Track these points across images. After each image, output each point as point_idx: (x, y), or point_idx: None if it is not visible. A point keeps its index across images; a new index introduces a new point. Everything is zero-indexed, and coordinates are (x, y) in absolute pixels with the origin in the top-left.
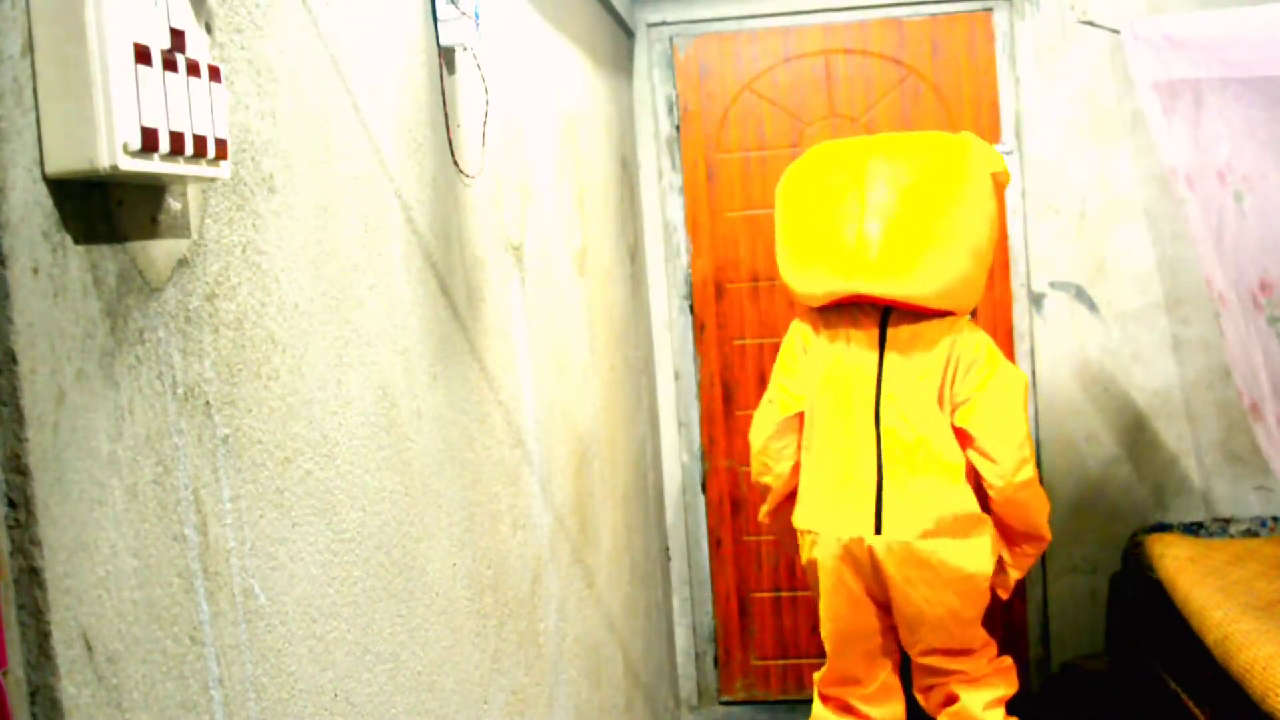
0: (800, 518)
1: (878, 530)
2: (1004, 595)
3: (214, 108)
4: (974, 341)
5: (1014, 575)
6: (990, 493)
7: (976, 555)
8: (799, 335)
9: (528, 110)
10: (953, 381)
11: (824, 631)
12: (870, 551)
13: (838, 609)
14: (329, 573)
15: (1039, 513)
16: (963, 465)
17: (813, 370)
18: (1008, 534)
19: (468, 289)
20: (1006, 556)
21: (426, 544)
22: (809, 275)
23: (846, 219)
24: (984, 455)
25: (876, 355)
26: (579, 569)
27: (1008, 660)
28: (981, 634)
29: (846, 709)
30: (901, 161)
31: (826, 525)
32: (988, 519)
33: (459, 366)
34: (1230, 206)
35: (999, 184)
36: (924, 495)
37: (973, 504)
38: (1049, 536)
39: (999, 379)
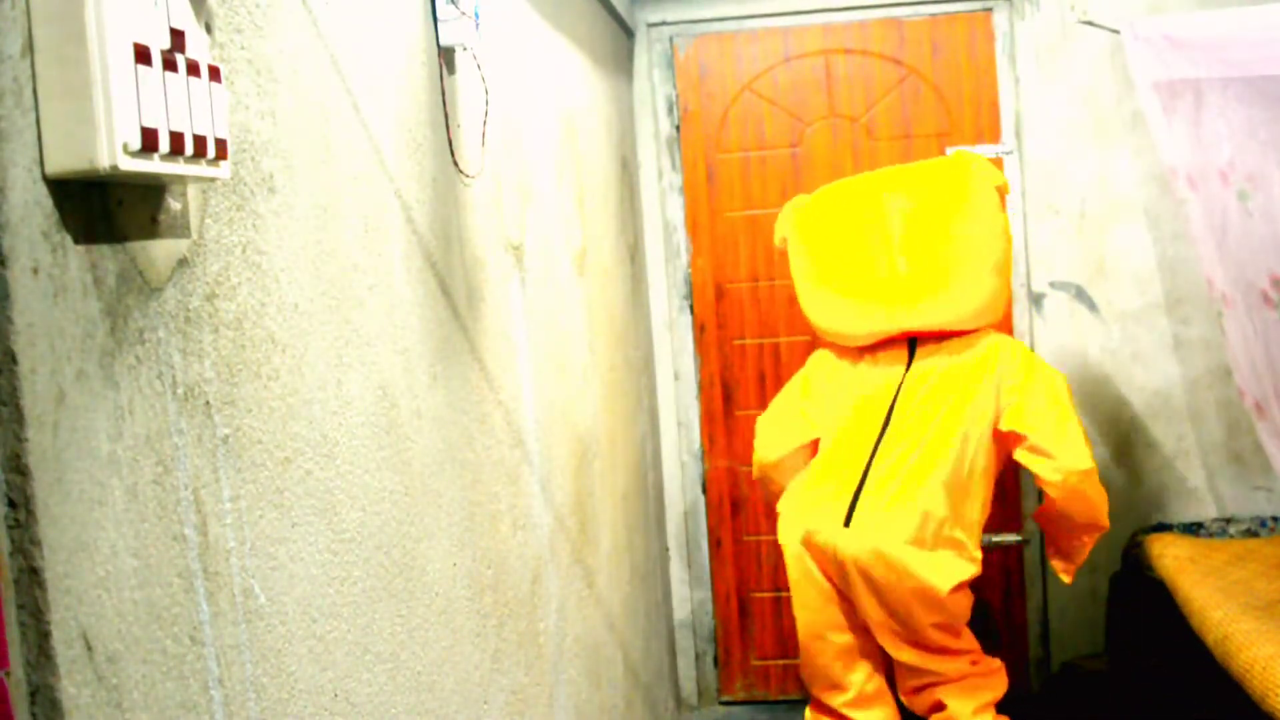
0: (781, 501)
1: (846, 524)
2: (1067, 579)
3: (214, 108)
4: (1008, 347)
5: (1077, 561)
6: (1049, 490)
7: (939, 570)
8: (826, 362)
9: (528, 110)
10: (997, 388)
11: (796, 620)
12: (834, 546)
13: (805, 598)
14: (329, 573)
15: (1101, 504)
16: (951, 479)
17: (839, 395)
18: (1069, 526)
19: (468, 289)
20: (1065, 548)
21: (426, 544)
22: (846, 318)
23: (875, 261)
24: (1038, 452)
25: (901, 371)
26: (579, 569)
27: (995, 662)
28: (962, 640)
29: (838, 718)
30: (913, 194)
31: (796, 513)
32: (957, 539)
33: (459, 366)
34: (1234, 206)
35: (1003, 195)
36: (901, 502)
37: (942, 517)
38: (1107, 525)
39: (1040, 377)
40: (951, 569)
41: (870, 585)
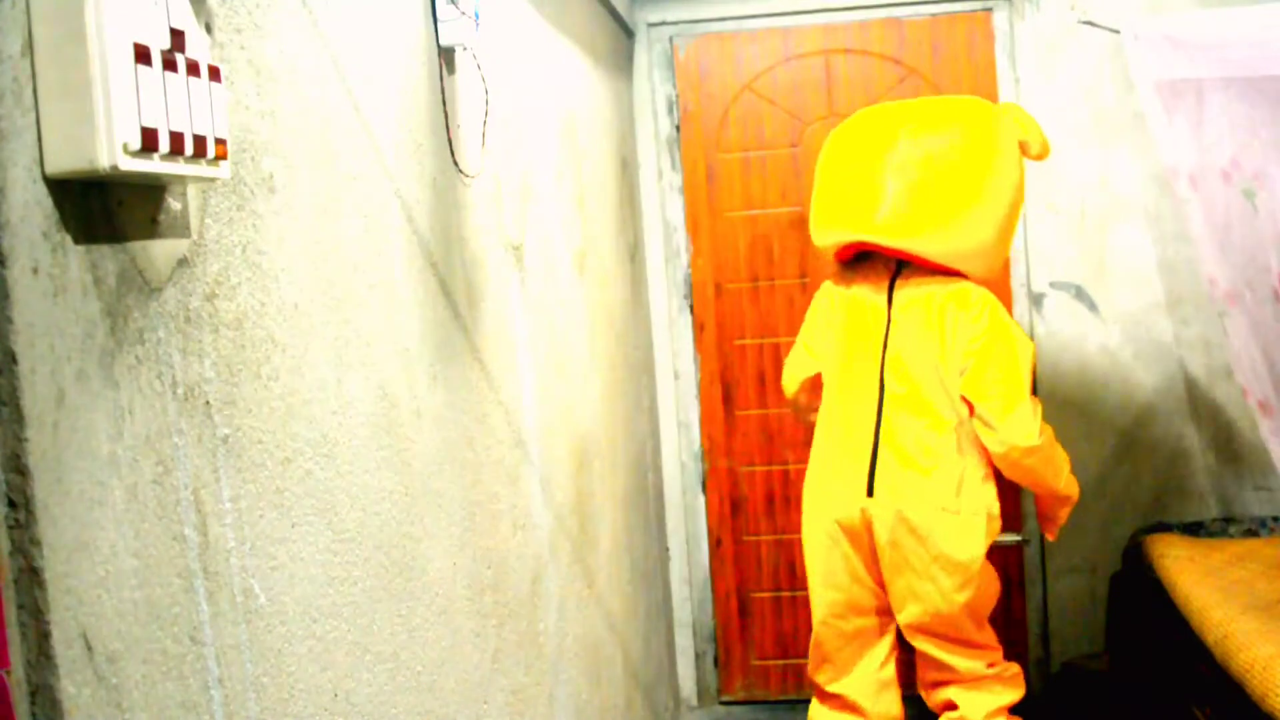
0: (806, 482)
1: (870, 493)
2: (1050, 536)
3: (214, 108)
4: (976, 305)
5: (1056, 524)
6: (993, 460)
7: (967, 537)
8: (827, 295)
9: (528, 110)
10: (952, 343)
11: (814, 601)
12: (863, 516)
13: (832, 578)
14: (329, 573)
15: (1050, 476)
16: (959, 437)
17: (830, 324)
18: (1033, 490)
19: (468, 289)
20: (1039, 509)
21: (426, 544)
22: (823, 226)
23: (867, 174)
24: (983, 422)
25: (885, 313)
26: (579, 569)
27: (1014, 667)
28: (985, 634)
29: (843, 705)
30: (932, 125)
31: (821, 499)
32: (981, 497)
33: (459, 366)
34: (1238, 204)
35: (1026, 154)
36: (920, 464)
37: (963, 476)
38: (1073, 495)
39: (998, 344)
40: (978, 533)
41: (899, 554)
